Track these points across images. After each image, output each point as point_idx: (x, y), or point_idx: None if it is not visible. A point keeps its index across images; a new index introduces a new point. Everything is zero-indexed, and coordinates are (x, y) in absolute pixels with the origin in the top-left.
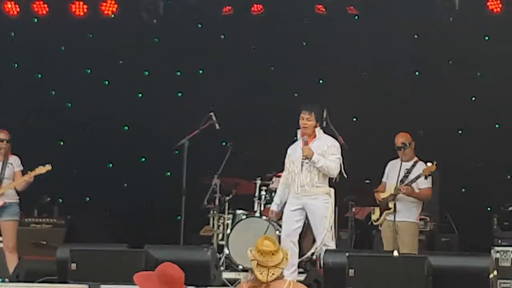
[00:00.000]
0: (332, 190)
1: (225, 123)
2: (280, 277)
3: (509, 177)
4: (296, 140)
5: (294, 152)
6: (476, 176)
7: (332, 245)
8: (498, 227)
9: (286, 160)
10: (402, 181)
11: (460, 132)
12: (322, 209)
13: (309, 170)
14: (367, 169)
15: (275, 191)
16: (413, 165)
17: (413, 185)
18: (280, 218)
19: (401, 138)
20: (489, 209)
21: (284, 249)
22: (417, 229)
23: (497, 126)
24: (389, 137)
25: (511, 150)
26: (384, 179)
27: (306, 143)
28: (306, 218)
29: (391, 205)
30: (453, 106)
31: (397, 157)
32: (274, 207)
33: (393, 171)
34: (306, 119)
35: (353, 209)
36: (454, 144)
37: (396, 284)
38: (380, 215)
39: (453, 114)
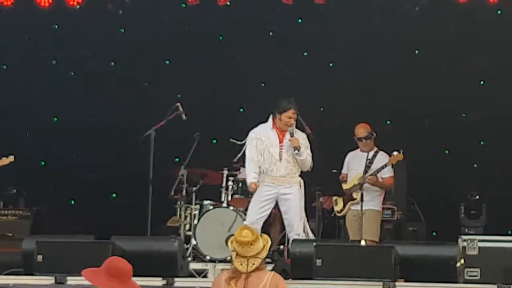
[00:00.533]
0: (302, 181)
1: (192, 114)
2: (261, 267)
3: (475, 165)
4: (262, 123)
5: (269, 139)
6: (443, 165)
7: (303, 236)
8: (465, 216)
9: (257, 141)
10: (365, 171)
11: (426, 121)
12: (297, 199)
13: (288, 160)
14: (334, 159)
15: (242, 182)
16: (374, 155)
17: (377, 174)
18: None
19: (362, 129)
20: (456, 198)
21: (266, 236)
22: (380, 217)
23: (463, 115)
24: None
25: (477, 139)
26: (344, 170)
27: (291, 135)
28: (275, 207)
29: (356, 195)
30: (419, 96)
31: (356, 148)
32: (254, 180)
33: (355, 162)
34: (294, 119)
35: (321, 199)
36: (421, 133)
37: (363, 273)
38: (344, 205)
39: (420, 103)
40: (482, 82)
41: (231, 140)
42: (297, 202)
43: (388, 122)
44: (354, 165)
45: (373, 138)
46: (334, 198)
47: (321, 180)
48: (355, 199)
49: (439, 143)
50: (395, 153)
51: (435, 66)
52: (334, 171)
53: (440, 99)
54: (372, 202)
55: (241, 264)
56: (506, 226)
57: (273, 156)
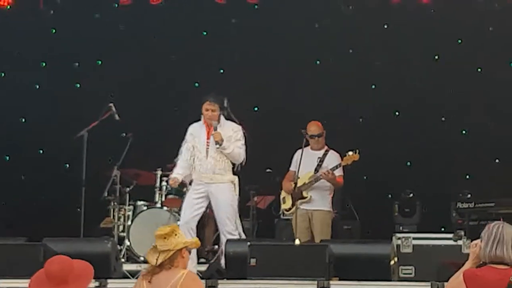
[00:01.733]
0: (236, 178)
1: (125, 114)
2: (176, 265)
3: (409, 164)
4: (199, 120)
5: (198, 135)
6: (377, 164)
7: (236, 235)
8: (399, 214)
9: (189, 137)
10: (316, 170)
11: (360, 119)
12: (228, 197)
13: (215, 156)
14: (268, 158)
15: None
16: (325, 154)
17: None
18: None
19: (315, 127)
20: (390, 196)
21: (191, 239)
22: (331, 218)
23: (396, 113)
24: (290, 127)
25: (410, 137)
26: (292, 168)
27: (215, 129)
28: (208, 206)
29: (306, 193)
30: (353, 94)
31: (305, 146)
32: (175, 175)
33: (305, 160)
34: (211, 110)
35: (255, 198)
36: (355, 131)
37: (297, 273)
38: (293, 204)
39: (354, 102)
40: (414, 82)
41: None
42: (226, 200)
43: (325, 122)
44: (304, 163)
45: (324, 137)
46: (282, 195)
47: (255, 179)
48: (305, 197)
49: (374, 141)
50: (350, 153)
51: (368, 64)
52: (268, 170)
53: (374, 98)
54: (322, 201)
55: (152, 257)
56: (439, 223)
57: (200, 153)
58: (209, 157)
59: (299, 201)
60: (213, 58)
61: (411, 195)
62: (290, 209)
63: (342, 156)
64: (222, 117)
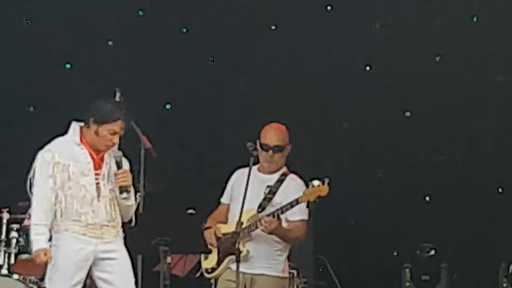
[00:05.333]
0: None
1: None
2: None
3: (428, 198)
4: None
5: (74, 161)
6: (372, 198)
7: None
8: (412, 284)
9: (55, 167)
10: (262, 207)
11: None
12: (127, 260)
13: (110, 198)
14: (190, 189)
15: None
16: (281, 180)
17: (282, 216)
18: None
19: (274, 132)
20: (396, 254)
21: None
22: (283, 286)
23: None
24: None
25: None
26: (224, 200)
27: (118, 164)
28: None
29: (242, 246)
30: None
31: (250, 164)
32: (46, 245)
33: (247, 188)
34: (120, 135)
35: (168, 259)
36: (333, 143)
37: None
38: (219, 262)
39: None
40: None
41: None
42: (127, 265)
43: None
44: (243, 193)
45: (286, 152)
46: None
47: (170, 228)
48: (241, 252)
49: (370, 167)
50: (315, 182)
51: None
52: (191, 211)
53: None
54: (270, 261)
55: None
56: None
57: (86, 191)
58: (101, 199)
59: (229, 257)
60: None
61: (432, 252)
62: (214, 269)
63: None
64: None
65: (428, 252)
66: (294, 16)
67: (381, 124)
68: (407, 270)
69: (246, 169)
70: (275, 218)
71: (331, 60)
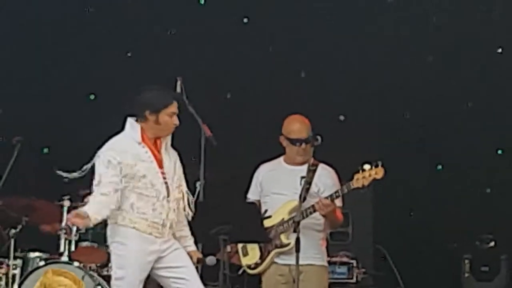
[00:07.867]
0: None
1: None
2: None
3: (489, 190)
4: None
5: (140, 160)
6: (433, 191)
7: None
8: (471, 275)
9: (121, 168)
10: (302, 197)
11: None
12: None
13: (177, 198)
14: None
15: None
16: (312, 171)
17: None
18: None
19: (300, 125)
20: (455, 245)
21: None
22: (327, 278)
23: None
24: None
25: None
26: (252, 196)
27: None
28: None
29: (285, 238)
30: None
31: (277, 157)
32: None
33: (279, 181)
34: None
35: (228, 248)
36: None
37: None
38: (263, 257)
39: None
40: None
41: (58, 173)
42: (185, 252)
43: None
44: (277, 186)
45: (314, 143)
46: (241, 245)
47: (227, 215)
48: (286, 245)
49: (430, 159)
50: (366, 166)
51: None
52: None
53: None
54: (314, 251)
55: None
56: None
57: (155, 190)
58: (171, 198)
59: (274, 251)
60: None
61: (492, 243)
62: (257, 265)
63: (350, 173)
64: None
65: (488, 243)
66: (353, 11)
67: (442, 115)
68: (467, 261)
69: (271, 163)
70: (328, 200)
71: (393, 54)
